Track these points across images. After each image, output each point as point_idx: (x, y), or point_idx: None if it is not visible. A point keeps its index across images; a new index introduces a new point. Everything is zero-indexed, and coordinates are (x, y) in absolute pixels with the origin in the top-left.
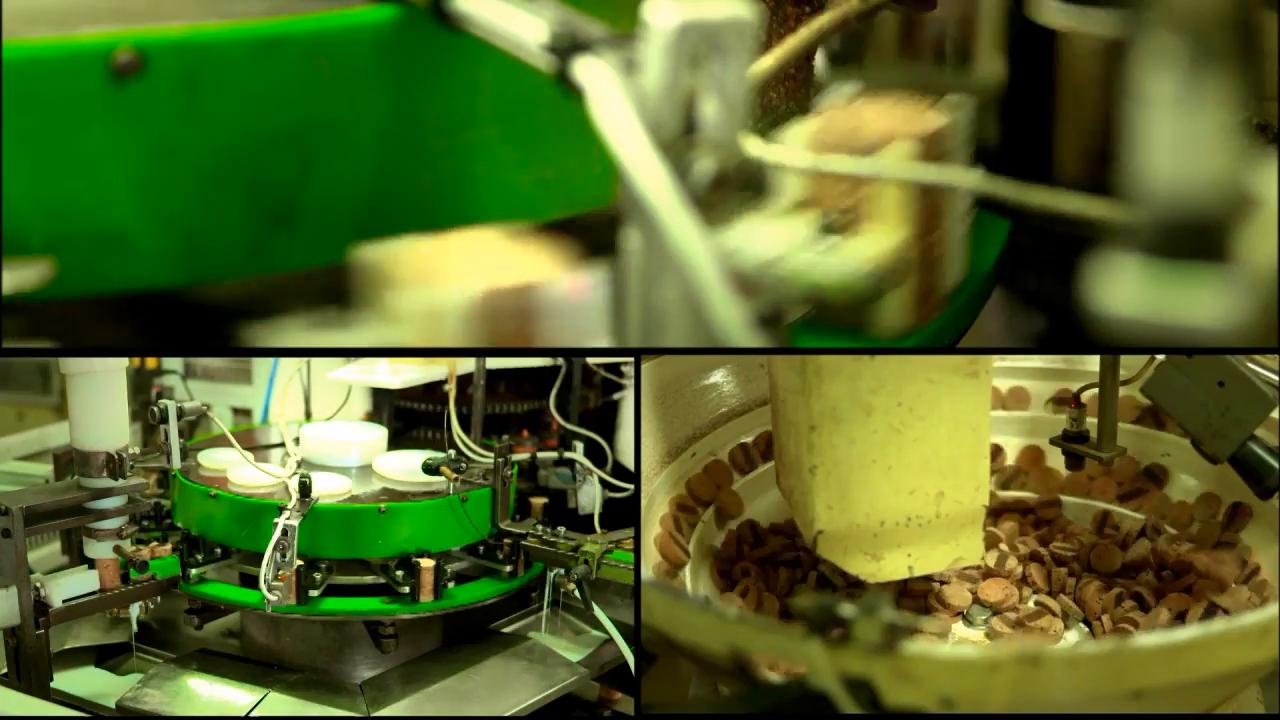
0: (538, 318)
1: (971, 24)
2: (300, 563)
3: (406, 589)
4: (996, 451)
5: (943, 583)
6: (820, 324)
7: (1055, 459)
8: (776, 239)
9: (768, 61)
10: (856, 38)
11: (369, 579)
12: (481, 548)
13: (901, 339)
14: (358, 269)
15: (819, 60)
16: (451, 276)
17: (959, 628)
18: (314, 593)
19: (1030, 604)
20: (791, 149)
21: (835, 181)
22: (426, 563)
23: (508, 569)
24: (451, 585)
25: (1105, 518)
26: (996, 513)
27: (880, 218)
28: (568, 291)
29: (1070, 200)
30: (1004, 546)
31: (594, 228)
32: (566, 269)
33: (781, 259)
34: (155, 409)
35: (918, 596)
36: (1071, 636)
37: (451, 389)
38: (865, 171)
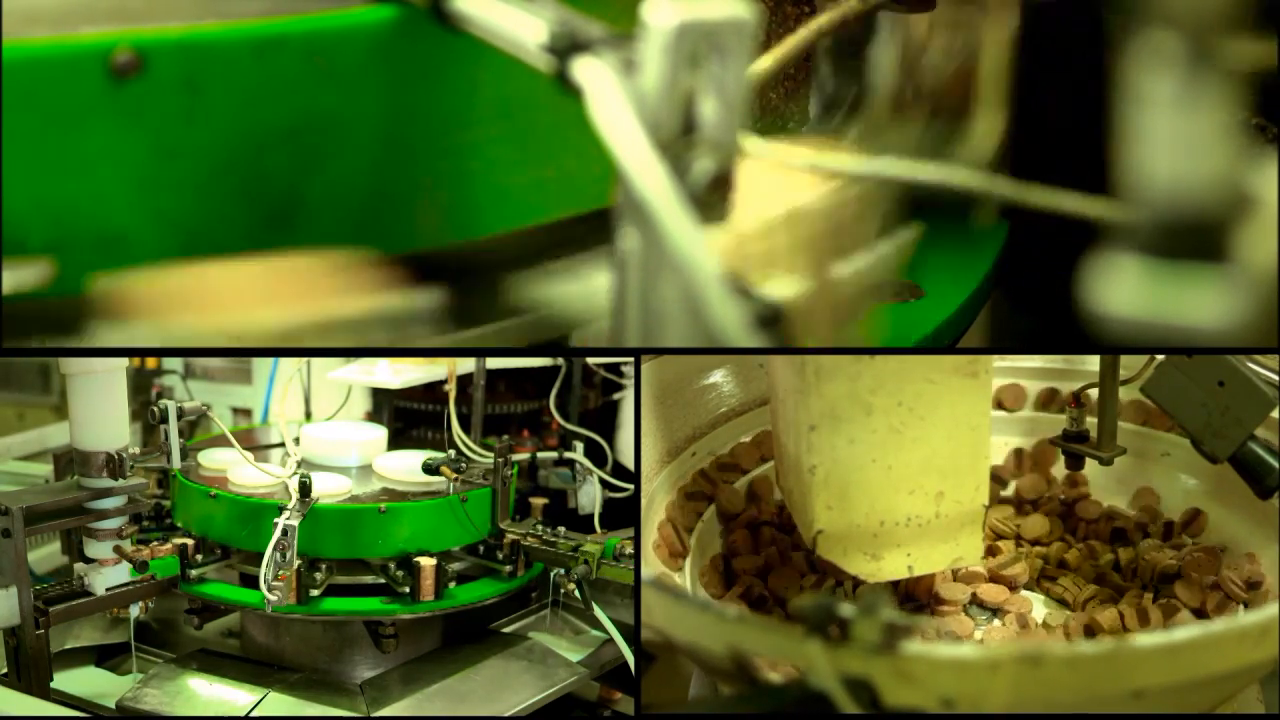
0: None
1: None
2: (300, 562)
3: (407, 589)
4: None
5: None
6: None
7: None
8: None
9: (767, 61)
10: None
11: (369, 579)
12: (481, 548)
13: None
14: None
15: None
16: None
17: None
18: (315, 592)
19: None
20: (789, 150)
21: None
22: (427, 562)
23: (508, 569)
24: (453, 585)
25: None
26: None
27: (783, 265)
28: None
29: (1070, 200)
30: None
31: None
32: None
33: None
34: (155, 409)
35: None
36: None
37: (451, 389)
38: (861, 171)
